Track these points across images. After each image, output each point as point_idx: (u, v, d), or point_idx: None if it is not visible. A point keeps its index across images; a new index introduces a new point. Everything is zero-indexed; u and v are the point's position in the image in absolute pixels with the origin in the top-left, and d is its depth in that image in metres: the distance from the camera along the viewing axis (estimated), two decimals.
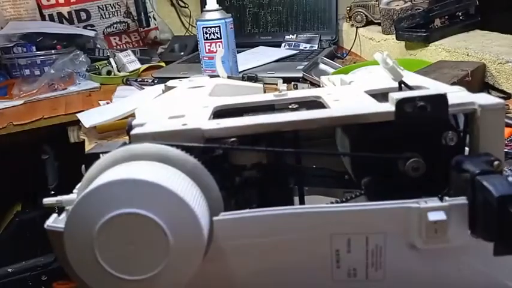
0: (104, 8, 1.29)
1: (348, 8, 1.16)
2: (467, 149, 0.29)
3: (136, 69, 1.11)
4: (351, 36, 1.16)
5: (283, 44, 1.18)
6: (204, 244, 0.24)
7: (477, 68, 0.66)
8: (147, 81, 1.01)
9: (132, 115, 0.35)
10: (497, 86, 0.66)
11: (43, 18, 1.24)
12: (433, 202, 0.26)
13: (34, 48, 1.11)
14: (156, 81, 1.00)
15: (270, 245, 0.27)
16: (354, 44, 1.15)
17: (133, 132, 0.29)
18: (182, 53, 1.21)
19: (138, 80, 1.04)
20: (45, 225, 0.28)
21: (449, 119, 0.29)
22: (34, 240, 0.79)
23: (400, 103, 0.27)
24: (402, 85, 0.32)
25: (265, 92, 0.47)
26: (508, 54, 0.65)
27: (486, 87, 0.68)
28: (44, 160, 1.05)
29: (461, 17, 0.86)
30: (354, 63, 0.96)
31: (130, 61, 1.12)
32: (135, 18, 1.32)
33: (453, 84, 0.47)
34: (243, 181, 0.32)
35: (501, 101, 0.28)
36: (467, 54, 0.71)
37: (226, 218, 0.27)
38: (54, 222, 0.29)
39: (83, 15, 1.27)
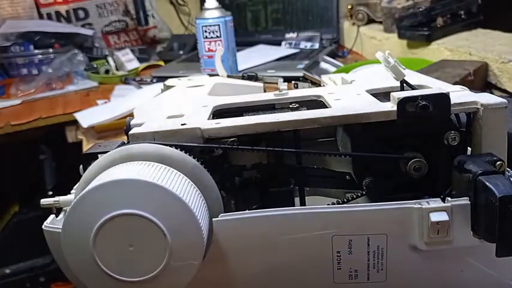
0: (102, 7, 1.28)
1: (350, 7, 1.16)
2: (469, 149, 0.29)
3: (135, 68, 1.11)
4: (352, 34, 1.16)
5: (283, 43, 1.17)
6: (204, 245, 0.24)
7: (479, 67, 0.66)
8: (146, 81, 1.01)
9: (131, 115, 0.34)
10: (499, 86, 0.66)
11: (41, 17, 1.23)
12: (435, 203, 0.26)
13: (32, 47, 1.11)
14: (154, 80, 0.99)
15: (270, 246, 0.27)
16: (355, 43, 1.14)
17: (131, 132, 0.28)
18: (181, 52, 1.21)
19: (137, 79, 1.03)
20: (43, 226, 0.28)
21: (451, 118, 0.29)
22: (32, 241, 0.79)
23: (402, 102, 0.27)
24: (404, 84, 0.32)
25: (265, 91, 0.47)
26: (511, 54, 0.65)
27: (488, 86, 0.68)
28: (41, 160, 1.05)
29: (463, 16, 0.85)
30: (355, 62, 0.96)
31: (128, 60, 1.11)
32: (134, 16, 1.32)
33: (455, 83, 0.47)
34: (243, 181, 0.32)
35: (504, 100, 0.28)
36: (470, 53, 0.71)
37: (226, 219, 0.26)
38: (52, 223, 0.28)
39: (81, 14, 1.27)
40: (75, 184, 0.28)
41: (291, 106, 0.34)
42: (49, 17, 1.24)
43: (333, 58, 1.01)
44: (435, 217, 0.25)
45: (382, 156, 0.29)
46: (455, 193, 0.27)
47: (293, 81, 0.61)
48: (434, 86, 0.33)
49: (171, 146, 0.27)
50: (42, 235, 0.28)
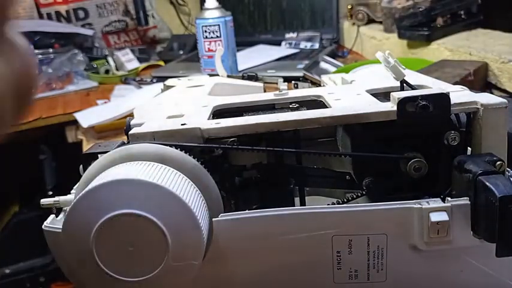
0: (102, 7, 1.28)
1: (350, 7, 1.16)
2: (469, 149, 0.29)
3: (135, 68, 1.10)
4: (352, 34, 1.16)
5: (283, 43, 1.17)
6: (204, 245, 0.24)
7: (479, 67, 0.66)
8: (146, 81, 1.01)
9: (131, 115, 0.34)
10: (499, 86, 0.66)
11: (41, 17, 1.23)
12: (435, 203, 0.26)
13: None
14: (154, 80, 0.99)
15: (270, 246, 0.27)
16: (355, 43, 1.15)
17: (131, 132, 0.28)
18: (181, 52, 1.21)
19: (137, 79, 1.03)
20: (43, 226, 0.28)
21: (451, 118, 0.29)
22: (32, 241, 0.79)
23: (402, 102, 0.27)
24: (404, 84, 0.32)
25: (265, 91, 0.47)
26: (511, 54, 0.65)
27: (488, 86, 0.68)
28: (41, 160, 1.04)
29: (463, 16, 0.86)
30: (355, 62, 0.96)
31: (128, 60, 1.11)
32: (134, 16, 1.32)
33: (455, 83, 0.47)
34: (243, 181, 0.32)
35: (504, 100, 0.28)
36: (470, 53, 0.71)
37: (226, 219, 0.26)
38: (52, 223, 0.28)
39: (81, 14, 1.26)
40: (75, 184, 0.28)
41: (291, 106, 0.34)
42: (49, 17, 1.24)
43: (333, 58, 1.01)
44: (435, 217, 0.25)
45: (382, 156, 0.29)
46: (455, 193, 0.27)
47: (293, 81, 0.61)
48: (434, 86, 0.33)
49: (171, 146, 0.27)
50: (42, 235, 0.28)
